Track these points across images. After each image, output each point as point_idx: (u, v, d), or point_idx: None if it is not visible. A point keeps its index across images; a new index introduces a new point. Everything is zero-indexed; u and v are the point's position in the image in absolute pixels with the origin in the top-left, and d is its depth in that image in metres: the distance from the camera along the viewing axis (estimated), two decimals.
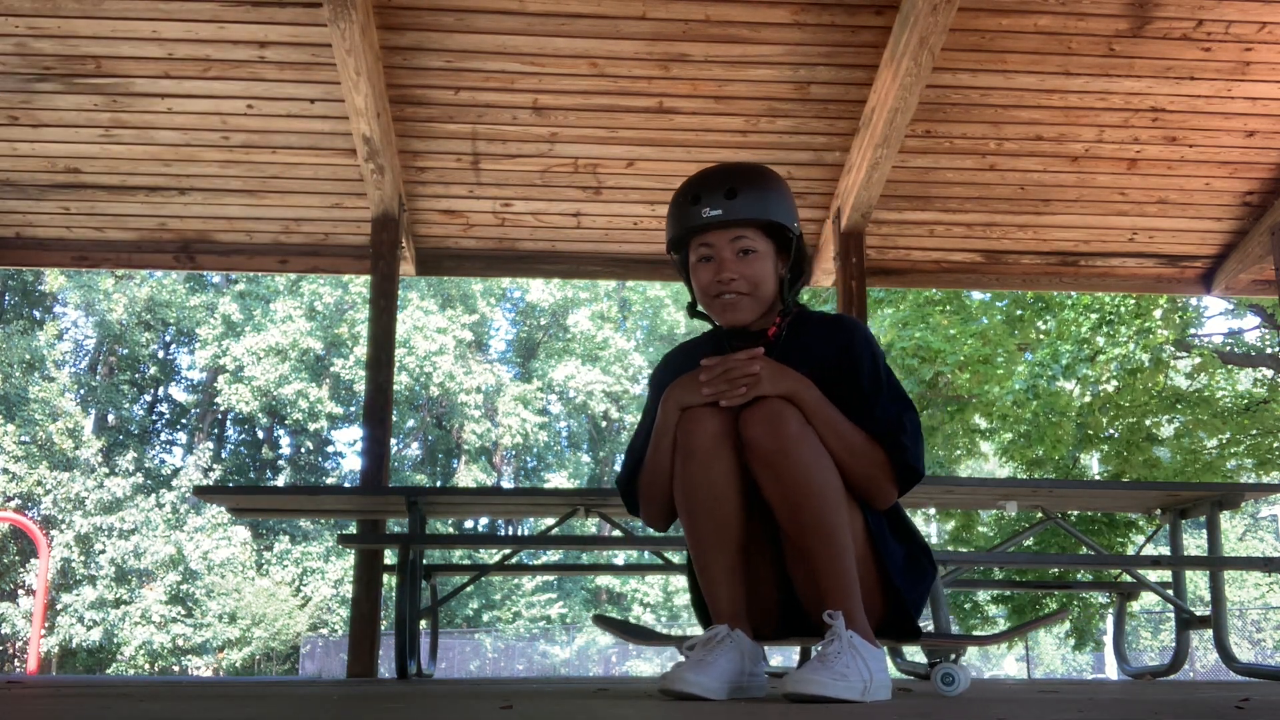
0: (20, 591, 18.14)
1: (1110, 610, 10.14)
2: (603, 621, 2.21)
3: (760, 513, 1.91)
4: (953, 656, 2.12)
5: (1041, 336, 11.47)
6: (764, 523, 1.92)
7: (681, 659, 1.82)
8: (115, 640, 17.94)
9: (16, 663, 17.93)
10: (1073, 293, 10.52)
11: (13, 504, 17.72)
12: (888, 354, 11.08)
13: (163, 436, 25.48)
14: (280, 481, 24.66)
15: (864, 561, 1.92)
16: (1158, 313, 10.32)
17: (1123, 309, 10.24)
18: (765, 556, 1.96)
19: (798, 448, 1.82)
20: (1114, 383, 10.59)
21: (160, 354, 25.41)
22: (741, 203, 1.94)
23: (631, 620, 24.98)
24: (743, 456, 1.87)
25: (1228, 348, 13.15)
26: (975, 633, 12.89)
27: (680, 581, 22.48)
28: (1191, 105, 5.33)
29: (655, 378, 2.21)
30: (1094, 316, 10.26)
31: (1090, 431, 10.87)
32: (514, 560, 4.92)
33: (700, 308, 2.09)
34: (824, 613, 1.80)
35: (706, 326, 2.23)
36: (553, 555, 17.66)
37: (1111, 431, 11.01)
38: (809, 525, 1.83)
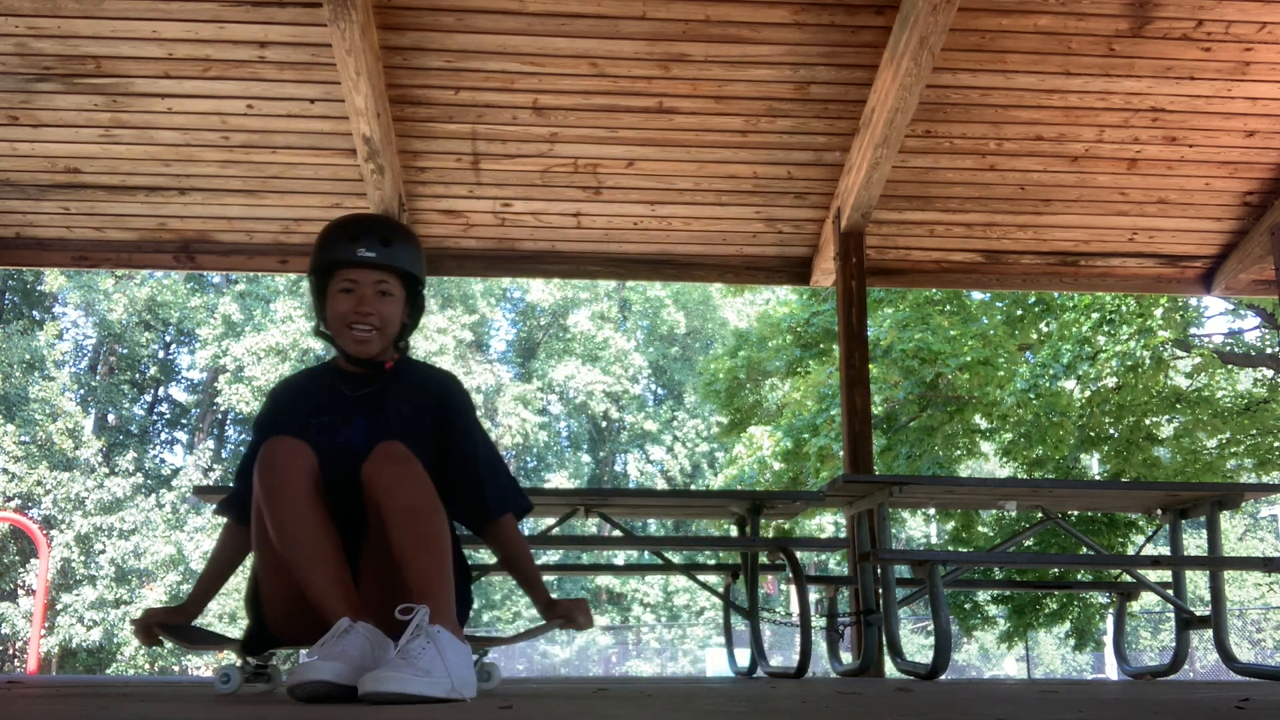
0: (20, 591, 18.14)
1: (1110, 610, 10.14)
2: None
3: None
4: (483, 654, 2.19)
5: (1043, 339, 11.48)
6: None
7: (306, 658, 1.85)
8: (115, 640, 17.94)
9: (16, 663, 17.93)
10: (1074, 294, 10.52)
11: (13, 504, 17.71)
12: (888, 355, 11.09)
13: (163, 436, 25.48)
14: None
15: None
16: (1158, 311, 10.32)
17: (1124, 308, 10.24)
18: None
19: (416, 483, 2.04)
20: (1114, 380, 10.59)
21: (160, 354, 25.41)
22: (392, 252, 2.21)
23: (632, 620, 24.96)
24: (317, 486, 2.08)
25: (1228, 348, 13.15)
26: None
27: (680, 581, 22.46)
28: (1191, 105, 5.33)
29: (273, 397, 2.39)
30: (1095, 316, 10.26)
31: (1092, 432, 10.87)
32: None
33: (326, 330, 2.29)
34: (397, 608, 1.84)
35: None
36: (553, 555, 17.62)
37: (1112, 431, 11.02)
38: (420, 536, 2.00)
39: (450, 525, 2.17)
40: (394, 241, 2.22)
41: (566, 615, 2.22)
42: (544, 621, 2.24)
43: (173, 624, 2.28)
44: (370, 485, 2.03)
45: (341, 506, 2.08)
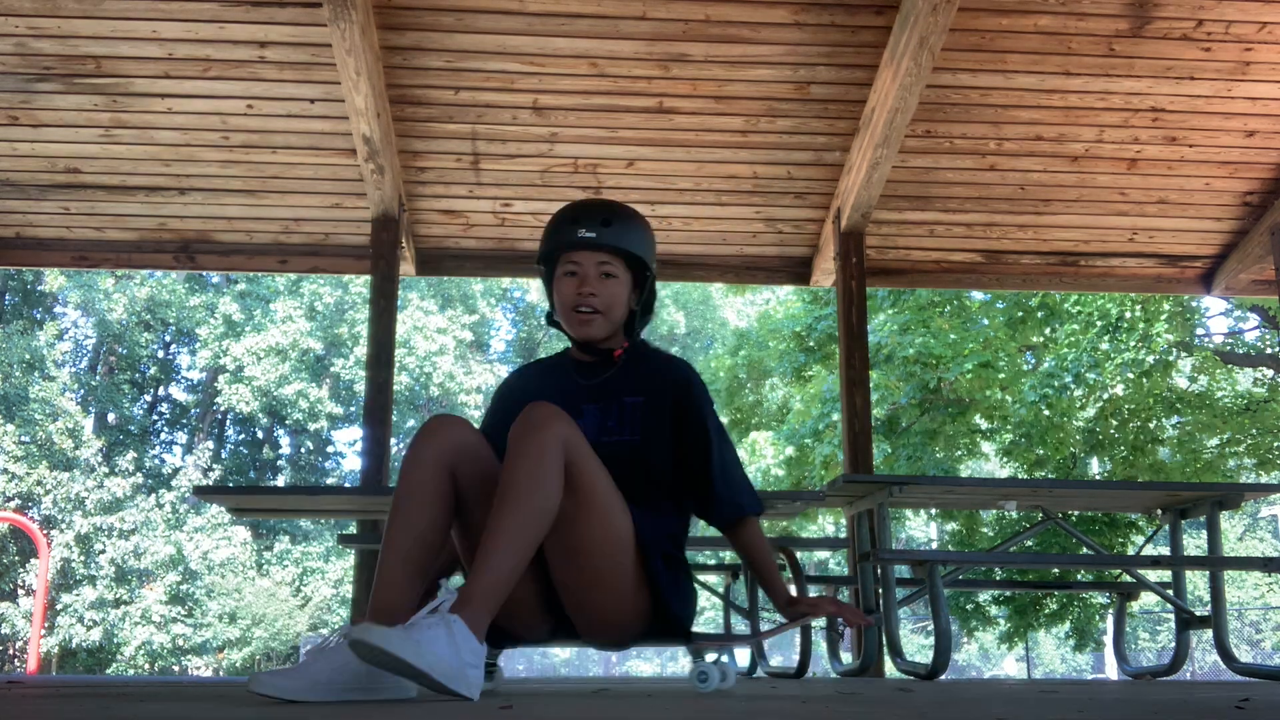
0: (20, 591, 18.14)
1: (1110, 610, 10.14)
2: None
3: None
4: (716, 656, 2.13)
5: (1048, 343, 11.48)
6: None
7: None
8: (115, 640, 17.93)
9: (16, 663, 17.94)
10: (1078, 303, 10.52)
11: (13, 504, 17.72)
12: (888, 361, 11.10)
13: (163, 436, 25.47)
14: (280, 481, 24.66)
15: (627, 567, 2.01)
16: (1163, 316, 10.32)
17: (1129, 314, 10.24)
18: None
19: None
20: (1122, 388, 10.60)
21: (160, 354, 25.40)
22: (613, 232, 2.16)
23: None
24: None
25: (1228, 348, 13.16)
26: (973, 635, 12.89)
27: None
28: (1191, 105, 5.33)
29: (505, 387, 2.33)
30: (1100, 324, 10.26)
31: (1101, 438, 10.89)
32: None
33: (557, 318, 2.26)
34: (440, 580, 1.83)
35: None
36: None
37: (1116, 436, 11.02)
38: (500, 516, 1.90)
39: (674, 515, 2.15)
40: (614, 222, 2.18)
41: (810, 610, 2.17)
42: (784, 620, 2.23)
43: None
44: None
45: None
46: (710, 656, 2.11)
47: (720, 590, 4.66)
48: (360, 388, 21.66)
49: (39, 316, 22.76)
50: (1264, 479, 11.22)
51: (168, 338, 25.40)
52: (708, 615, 24.44)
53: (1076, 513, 9.73)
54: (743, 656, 4.55)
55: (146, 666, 18.03)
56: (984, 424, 11.65)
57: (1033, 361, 12.46)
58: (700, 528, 16.17)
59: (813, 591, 5.14)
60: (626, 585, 2.02)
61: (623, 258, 2.17)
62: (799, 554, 4.22)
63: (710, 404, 2.24)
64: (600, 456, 1.99)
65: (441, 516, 1.94)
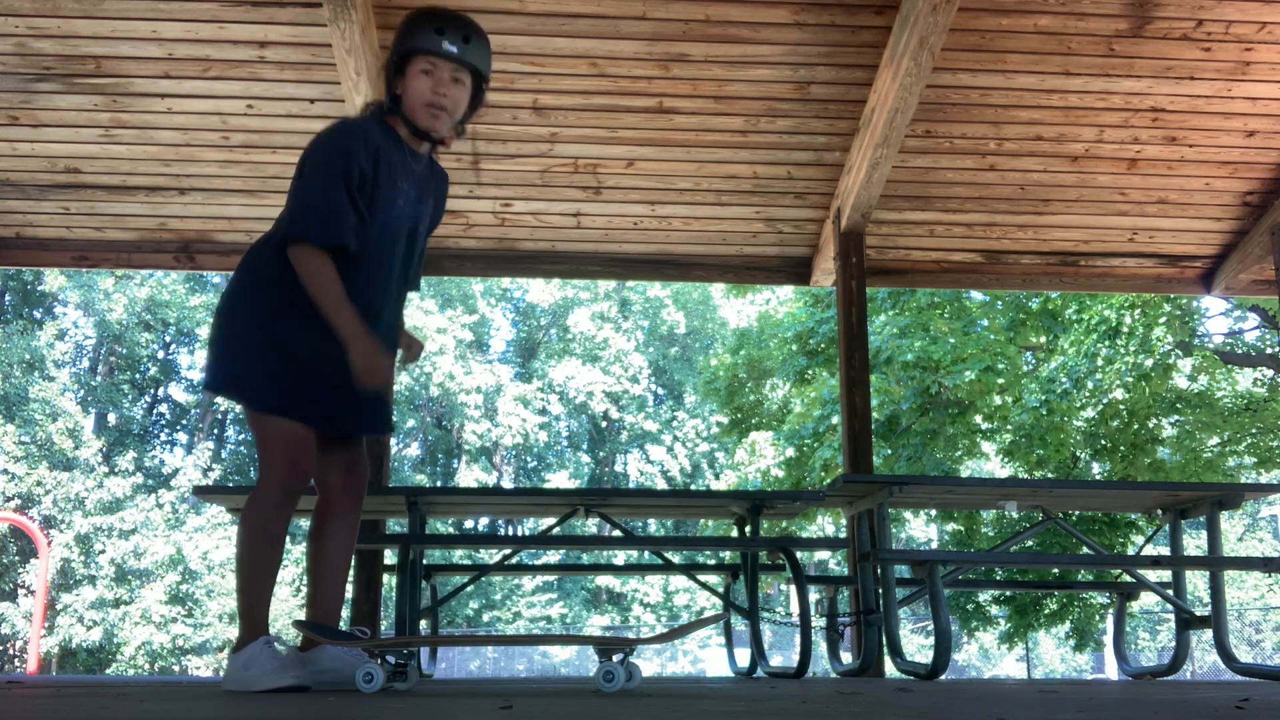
0: (20, 591, 18.14)
1: (1110, 610, 10.14)
2: (302, 626, 2.48)
3: None
4: (623, 656, 2.21)
5: (1050, 348, 11.47)
6: None
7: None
8: (115, 640, 17.93)
9: (16, 663, 17.93)
10: (1080, 309, 10.52)
11: (13, 504, 17.71)
12: (888, 364, 11.11)
13: (163, 437, 25.47)
14: None
15: None
16: (1162, 320, 10.32)
17: (1129, 319, 10.24)
18: None
19: None
20: (1122, 391, 10.60)
21: (160, 354, 25.40)
22: (471, 50, 2.56)
23: (632, 620, 24.96)
24: None
25: (1228, 348, 13.16)
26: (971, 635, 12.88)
27: (680, 582, 22.46)
28: (1191, 105, 5.33)
29: (365, 148, 2.50)
30: (1101, 329, 10.26)
31: (1104, 442, 10.89)
32: (514, 560, 4.92)
33: (401, 108, 2.56)
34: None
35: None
36: (553, 555, 17.65)
37: (1116, 436, 11.03)
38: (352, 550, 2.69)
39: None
40: (473, 40, 2.56)
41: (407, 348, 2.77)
42: (688, 621, 2.36)
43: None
44: (356, 522, 2.69)
45: (379, 281, 2.53)
46: (616, 657, 2.20)
47: (720, 590, 4.66)
48: None
49: (39, 316, 22.75)
50: (1264, 479, 11.22)
51: (168, 338, 25.39)
52: (708, 615, 24.46)
53: (1076, 513, 9.73)
54: (742, 656, 4.55)
55: (146, 666, 18.02)
56: (984, 424, 11.65)
57: (1033, 363, 12.46)
58: (701, 528, 16.14)
59: (813, 591, 5.14)
60: None
61: (471, 72, 2.56)
62: (799, 554, 4.22)
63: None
64: (415, 241, 2.64)
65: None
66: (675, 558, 4.80)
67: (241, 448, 25.92)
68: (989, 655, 26.41)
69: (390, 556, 4.77)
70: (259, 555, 2.43)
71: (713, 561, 5.26)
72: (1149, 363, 10.22)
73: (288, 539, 2.55)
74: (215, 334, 2.54)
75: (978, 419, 11.52)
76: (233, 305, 2.52)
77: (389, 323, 2.63)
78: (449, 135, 2.63)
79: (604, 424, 27.96)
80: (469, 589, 12.71)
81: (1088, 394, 10.41)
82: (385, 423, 2.67)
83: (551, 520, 4.48)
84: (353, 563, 5.47)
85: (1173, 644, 4.27)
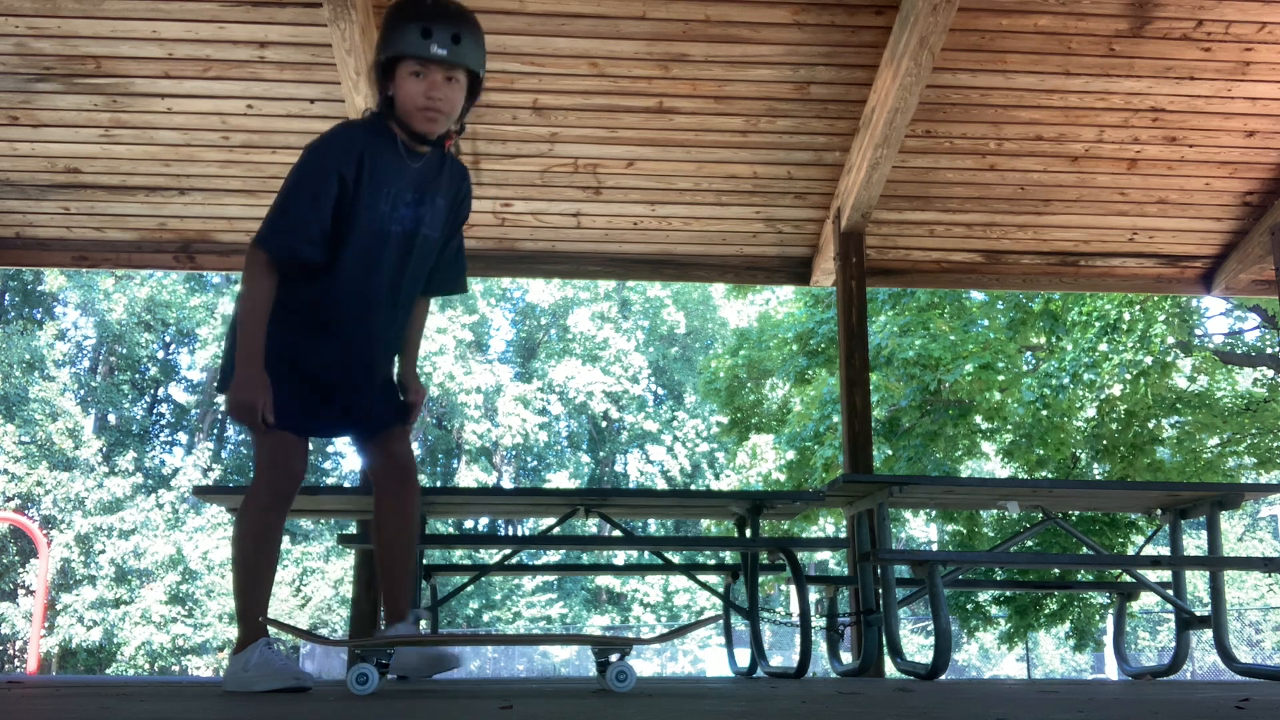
0: (20, 591, 18.14)
1: (1110, 610, 10.14)
2: (271, 623, 2.48)
3: None
4: (620, 656, 2.22)
5: (1051, 349, 11.47)
6: None
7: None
8: (115, 640, 17.94)
9: (16, 663, 17.93)
10: (1077, 307, 10.51)
11: (13, 504, 17.71)
12: (889, 364, 11.10)
13: (163, 437, 25.46)
14: None
15: None
16: (1161, 318, 10.32)
17: (1128, 314, 10.24)
18: None
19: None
20: (1121, 388, 10.60)
21: (160, 354, 25.40)
22: (462, 50, 2.40)
23: (632, 620, 24.96)
24: None
25: (1228, 348, 13.16)
26: (967, 634, 12.88)
27: (680, 582, 22.46)
28: (1191, 105, 5.33)
29: (349, 150, 2.44)
30: (1099, 325, 10.26)
31: (1104, 441, 10.89)
32: (514, 560, 4.92)
33: (396, 112, 2.45)
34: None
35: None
36: (553, 555, 17.64)
37: (1116, 436, 11.02)
38: (413, 534, 2.57)
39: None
40: (464, 38, 2.39)
41: (414, 398, 2.65)
42: (688, 622, 2.35)
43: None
44: (407, 502, 2.56)
45: (369, 289, 2.45)
46: (614, 656, 2.21)
47: (720, 590, 4.66)
48: None
49: (39, 316, 22.75)
50: (1264, 479, 11.22)
51: (168, 338, 25.39)
52: (708, 615, 24.46)
53: (1076, 513, 9.73)
54: (742, 656, 4.55)
55: (146, 666, 18.02)
56: (984, 424, 11.64)
57: (1033, 362, 12.46)
58: (702, 528, 16.16)
59: (813, 592, 5.14)
60: None
61: (465, 72, 2.43)
62: (799, 554, 4.22)
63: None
64: (414, 245, 2.50)
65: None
66: (675, 558, 4.79)
67: (241, 448, 25.92)
68: (989, 655, 26.42)
69: None
70: (250, 557, 2.42)
71: (713, 561, 5.26)
72: (1148, 360, 10.21)
73: (288, 539, 2.56)
74: (227, 335, 2.56)
75: (978, 419, 11.52)
76: (235, 309, 2.53)
77: (383, 330, 2.55)
78: (452, 134, 2.53)
79: (604, 424, 27.95)
80: (469, 589, 12.71)
81: (1085, 389, 10.41)
82: (382, 424, 2.58)
83: (551, 520, 4.48)
84: (353, 562, 5.47)
85: (1173, 644, 4.27)
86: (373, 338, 2.53)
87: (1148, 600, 10.44)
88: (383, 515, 2.56)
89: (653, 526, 23.21)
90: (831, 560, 22.40)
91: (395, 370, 2.67)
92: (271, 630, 2.44)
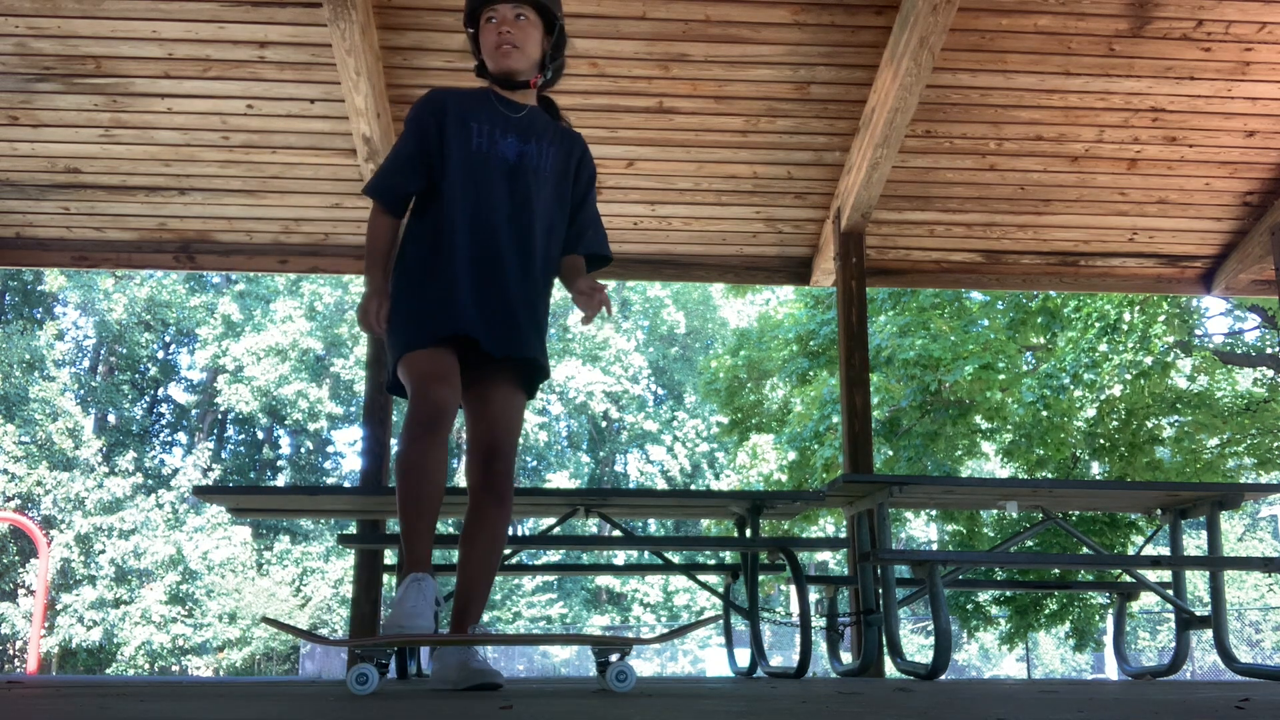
0: (20, 591, 18.14)
1: (1110, 610, 10.14)
2: (269, 622, 2.49)
3: None
4: (620, 656, 2.24)
5: (1050, 347, 11.47)
6: None
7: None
8: (115, 640, 17.94)
9: (16, 663, 17.93)
10: (1077, 306, 10.51)
11: (13, 504, 17.71)
12: (888, 363, 11.11)
13: (163, 437, 25.47)
14: (280, 481, 24.67)
15: None
16: (1161, 318, 10.32)
17: (1127, 314, 10.24)
18: None
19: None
20: (1120, 388, 10.60)
21: (160, 354, 25.40)
22: None
23: (632, 620, 24.97)
24: None
25: (1228, 348, 13.15)
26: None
27: (680, 582, 22.47)
28: (1191, 105, 5.33)
29: (432, 100, 2.64)
30: (1099, 325, 10.26)
31: (1103, 441, 10.88)
32: (514, 560, 4.92)
33: (486, 66, 2.64)
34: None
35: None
36: (553, 555, 17.64)
37: (1116, 436, 11.02)
38: (499, 551, 2.64)
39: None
40: None
41: (588, 293, 2.62)
42: (689, 622, 2.35)
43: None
44: (501, 523, 2.59)
45: (483, 212, 2.52)
46: (614, 656, 2.22)
47: (720, 590, 4.66)
48: (360, 388, 21.66)
49: (39, 316, 22.75)
50: (1264, 479, 11.22)
51: (168, 338, 25.40)
52: (708, 615, 24.48)
53: (1076, 513, 9.73)
54: (742, 656, 4.55)
55: (146, 666, 18.03)
56: (984, 424, 11.64)
57: (1033, 362, 12.46)
58: (702, 528, 16.16)
59: (813, 592, 5.14)
60: None
61: (535, 8, 2.59)
62: (799, 554, 4.22)
63: (595, 175, 2.88)
64: (521, 174, 2.58)
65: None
66: (675, 558, 4.79)
67: (241, 448, 25.94)
68: (989, 655, 26.41)
69: (390, 556, 4.76)
70: (402, 490, 2.42)
71: (713, 561, 5.26)
72: (1148, 360, 10.21)
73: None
74: None
75: (978, 419, 11.52)
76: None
77: (512, 260, 2.57)
78: (534, 76, 2.64)
79: (604, 424, 27.96)
80: None
81: (1085, 390, 10.41)
82: (518, 344, 2.55)
83: (551, 520, 4.48)
84: (353, 562, 5.47)
85: (1173, 644, 4.27)
86: (501, 263, 2.54)
87: (1148, 600, 10.44)
88: (474, 530, 2.57)
89: (653, 526, 23.21)
90: (831, 560, 22.40)
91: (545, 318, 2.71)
92: (269, 630, 2.43)
